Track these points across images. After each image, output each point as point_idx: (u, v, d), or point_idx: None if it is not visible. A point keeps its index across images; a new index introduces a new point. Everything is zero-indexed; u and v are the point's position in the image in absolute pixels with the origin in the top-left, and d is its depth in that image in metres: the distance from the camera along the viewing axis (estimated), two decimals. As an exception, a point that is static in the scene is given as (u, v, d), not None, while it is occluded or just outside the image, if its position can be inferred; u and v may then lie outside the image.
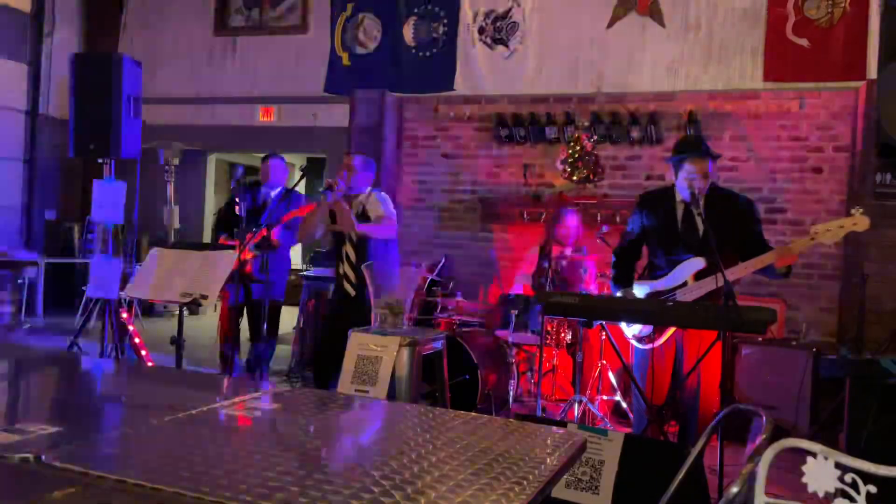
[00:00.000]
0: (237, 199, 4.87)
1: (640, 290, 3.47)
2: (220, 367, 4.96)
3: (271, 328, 4.96)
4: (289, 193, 4.71)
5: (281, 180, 5.03)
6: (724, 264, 3.02)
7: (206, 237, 8.54)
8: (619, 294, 3.50)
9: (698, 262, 3.26)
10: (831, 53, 5.52)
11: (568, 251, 5.02)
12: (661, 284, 3.38)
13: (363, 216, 3.95)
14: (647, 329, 3.34)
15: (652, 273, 3.49)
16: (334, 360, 3.91)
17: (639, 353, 3.42)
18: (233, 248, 3.95)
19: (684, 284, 3.29)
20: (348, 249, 3.93)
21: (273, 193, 4.90)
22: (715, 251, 2.95)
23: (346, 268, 3.93)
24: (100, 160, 4.79)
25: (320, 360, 4.23)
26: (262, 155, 5.14)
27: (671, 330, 3.28)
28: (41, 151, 8.65)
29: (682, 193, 3.37)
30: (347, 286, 3.93)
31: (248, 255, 4.64)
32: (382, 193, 4.11)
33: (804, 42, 5.60)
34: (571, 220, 5.18)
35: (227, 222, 4.99)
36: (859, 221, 3.06)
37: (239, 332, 5.03)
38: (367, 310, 3.75)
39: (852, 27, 5.46)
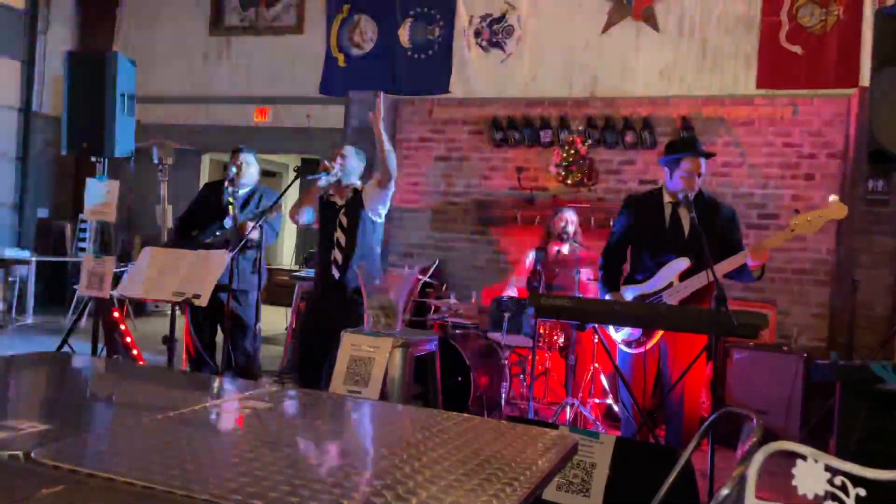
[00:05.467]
0: (206, 196, 4.55)
1: (627, 294, 3.47)
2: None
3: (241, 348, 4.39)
4: (255, 192, 4.53)
5: (253, 178, 4.62)
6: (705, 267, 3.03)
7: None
8: (608, 297, 3.51)
9: (683, 262, 3.29)
10: (824, 61, 5.54)
11: (566, 249, 5.01)
12: (648, 287, 3.39)
13: (356, 200, 3.94)
14: (636, 333, 3.35)
15: (636, 275, 3.48)
16: (321, 354, 3.89)
17: (624, 357, 3.43)
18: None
19: (670, 285, 3.31)
20: (339, 235, 3.91)
21: (242, 192, 4.48)
22: (705, 248, 2.97)
23: (336, 253, 3.89)
24: (93, 158, 4.76)
25: (305, 357, 4.13)
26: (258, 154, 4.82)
27: (658, 334, 3.29)
28: (34, 149, 8.62)
29: (676, 193, 3.39)
30: (334, 270, 3.84)
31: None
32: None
33: (797, 49, 5.62)
34: (570, 215, 5.16)
35: (191, 222, 4.55)
36: (837, 209, 3.03)
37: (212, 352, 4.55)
38: (351, 300, 3.71)
39: (845, 35, 5.49)
